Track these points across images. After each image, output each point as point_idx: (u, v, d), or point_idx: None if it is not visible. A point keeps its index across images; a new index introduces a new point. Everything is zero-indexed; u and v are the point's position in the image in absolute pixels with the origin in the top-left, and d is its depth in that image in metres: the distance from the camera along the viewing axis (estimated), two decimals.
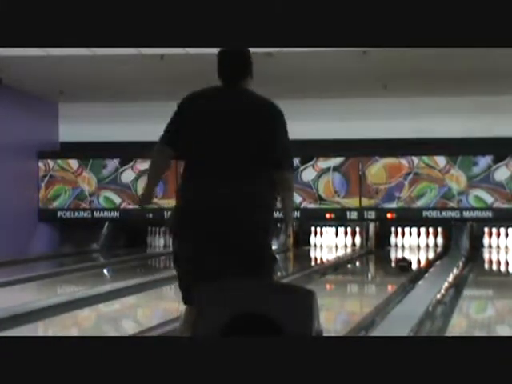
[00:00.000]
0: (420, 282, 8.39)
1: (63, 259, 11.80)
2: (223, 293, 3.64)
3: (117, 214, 12.71)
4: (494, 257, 11.94)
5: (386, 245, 12.80)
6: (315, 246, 12.99)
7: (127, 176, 12.70)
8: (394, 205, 12.10)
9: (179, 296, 4.05)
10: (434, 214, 12.02)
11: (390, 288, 8.61)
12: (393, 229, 12.86)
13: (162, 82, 10.83)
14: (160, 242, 13.22)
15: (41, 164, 12.80)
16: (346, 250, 12.75)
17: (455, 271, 9.57)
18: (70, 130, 13.02)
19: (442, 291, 7.49)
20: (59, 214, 12.81)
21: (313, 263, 11.55)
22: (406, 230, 12.83)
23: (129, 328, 6.19)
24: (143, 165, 12.44)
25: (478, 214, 11.92)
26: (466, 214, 11.96)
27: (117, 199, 12.71)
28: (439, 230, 12.78)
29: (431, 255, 11.94)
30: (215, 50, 4.07)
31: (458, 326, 5.93)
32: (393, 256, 12.17)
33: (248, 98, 3.97)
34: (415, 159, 12.08)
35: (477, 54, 8.82)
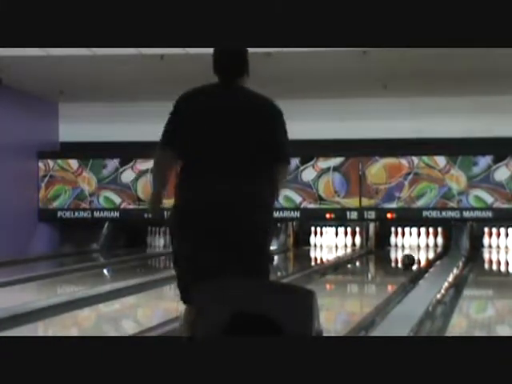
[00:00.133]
0: (420, 282, 8.39)
1: (63, 259, 11.80)
2: (223, 292, 3.64)
3: (117, 214, 12.71)
4: (494, 257, 11.94)
5: (386, 245, 12.80)
6: (315, 245, 12.99)
7: (127, 176, 12.69)
8: (393, 205, 12.10)
9: (179, 296, 4.05)
10: (434, 214, 12.01)
11: (389, 288, 8.61)
12: (393, 229, 12.86)
13: (162, 82, 10.82)
14: (160, 241, 13.22)
15: (41, 164, 12.80)
16: (345, 250, 12.75)
17: (455, 271, 9.58)
18: (70, 130, 13.01)
19: (442, 291, 7.49)
20: (59, 214, 12.80)
21: (313, 263, 11.55)
22: (406, 230, 12.83)
23: (129, 328, 6.19)
24: (143, 165, 12.45)
25: (477, 213, 11.91)
26: (466, 214, 11.95)
27: (117, 199, 12.71)
28: (439, 229, 12.79)
29: (431, 255, 11.94)
30: None
31: (457, 326, 5.93)
32: (393, 256, 12.18)
33: (246, 96, 3.94)
34: (415, 159, 12.08)
35: (477, 53, 8.82)
